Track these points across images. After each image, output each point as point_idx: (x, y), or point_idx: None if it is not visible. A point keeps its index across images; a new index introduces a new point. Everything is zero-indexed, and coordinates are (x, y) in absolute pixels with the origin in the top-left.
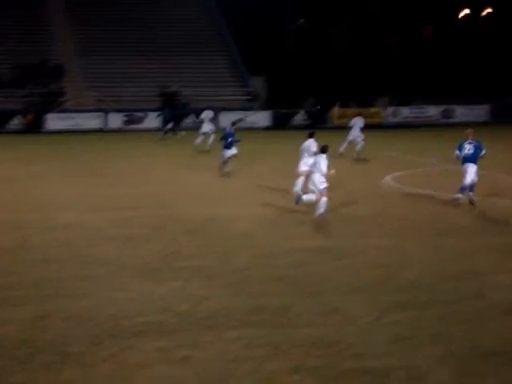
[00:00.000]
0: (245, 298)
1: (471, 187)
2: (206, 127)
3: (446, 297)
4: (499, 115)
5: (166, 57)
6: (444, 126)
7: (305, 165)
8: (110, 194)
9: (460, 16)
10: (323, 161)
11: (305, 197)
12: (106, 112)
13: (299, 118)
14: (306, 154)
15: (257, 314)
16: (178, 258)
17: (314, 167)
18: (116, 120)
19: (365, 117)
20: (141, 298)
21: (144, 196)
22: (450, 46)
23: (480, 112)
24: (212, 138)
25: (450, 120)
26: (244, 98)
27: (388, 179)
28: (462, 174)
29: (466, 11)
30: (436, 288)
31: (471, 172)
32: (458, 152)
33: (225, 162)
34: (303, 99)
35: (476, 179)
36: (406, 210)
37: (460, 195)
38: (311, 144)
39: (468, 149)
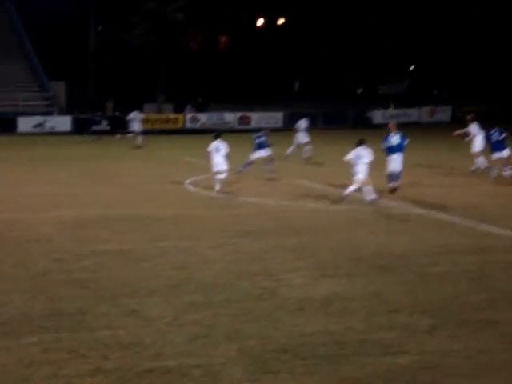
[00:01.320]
0: (42, 302)
1: (398, 175)
2: (136, 126)
3: (242, 296)
4: (290, 121)
5: None
6: (241, 131)
7: (217, 165)
8: None
9: (257, 25)
10: (365, 152)
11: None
12: None
13: (100, 122)
14: (216, 154)
15: (54, 319)
16: None
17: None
18: None
19: (166, 122)
20: None
21: None
22: (246, 54)
23: (275, 118)
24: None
25: (247, 126)
26: (44, 103)
27: (187, 183)
28: (390, 164)
29: (261, 21)
30: (232, 287)
31: (399, 160)
32: (385, 144)
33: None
34: (103, 104)
35: (402, 168)
36: (203, 212)
37: (393, 183)
38: (219, 144)
39: (395, 139)
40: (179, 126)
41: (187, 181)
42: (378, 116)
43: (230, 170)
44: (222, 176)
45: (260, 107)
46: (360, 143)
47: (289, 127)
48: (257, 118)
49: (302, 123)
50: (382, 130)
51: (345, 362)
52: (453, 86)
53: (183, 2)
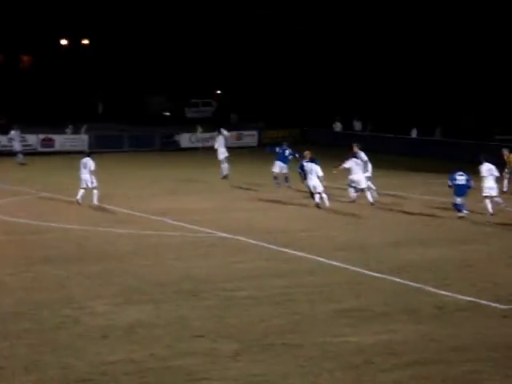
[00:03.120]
0: None
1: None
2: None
3: (42, 325)
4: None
5: None
6: (44, 154)
7: (84, 181)
8: None
9: (61, 45)
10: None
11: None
12: None
13: None
14: (84, 170)
15: None
16: None
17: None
18: None
19: None
20: None
21: None
22: (49, 74)
23: (80, 141)
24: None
25: (51, 149)
26: None
27: None
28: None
29: (65, 41)
30: (31, 317)
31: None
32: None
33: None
34: None
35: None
36: (3, 238)
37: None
38: (88, 161)
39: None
40: None
41: None
42: (185, 139)
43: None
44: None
45: (64, 129)
46: (311, 160)
47: (95, 150)
48: (61, 140)
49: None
50: (190, 153)
51: None
52: (260, 111)
53: None
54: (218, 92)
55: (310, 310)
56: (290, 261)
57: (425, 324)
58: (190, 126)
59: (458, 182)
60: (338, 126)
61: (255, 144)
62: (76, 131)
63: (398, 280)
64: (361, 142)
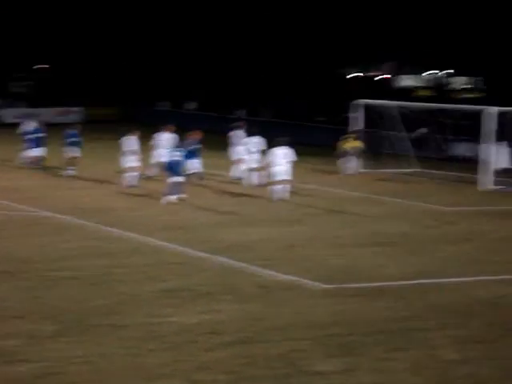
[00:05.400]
0: None
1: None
2: None
3: None
4: None
5: None
6: None
7: None
8: None
9: None
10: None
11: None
12: None
13: None
14: None
15: None
16: None
17: None
18: None
19: None
20: None
21: None
22: None
23: None
24: None
25: None
26: None
27: None
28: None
29: None
30: None
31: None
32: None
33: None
34: None
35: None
36: None
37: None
38: None
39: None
40: None
41: None
42: (9, 115)
43: None
44: None
45: None
46: None
47: None
48: None
49: None
50: (14, 128)
51: None
52: (84, 88)
53: None
54: (42, 66)
55: (134, 290)
56: (114, 240)
57: (248, 303)
58: (12, 100)
59: (174, 159)
60: (166, 105)
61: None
62: None
63: (222, 260)
64: (190, 122)
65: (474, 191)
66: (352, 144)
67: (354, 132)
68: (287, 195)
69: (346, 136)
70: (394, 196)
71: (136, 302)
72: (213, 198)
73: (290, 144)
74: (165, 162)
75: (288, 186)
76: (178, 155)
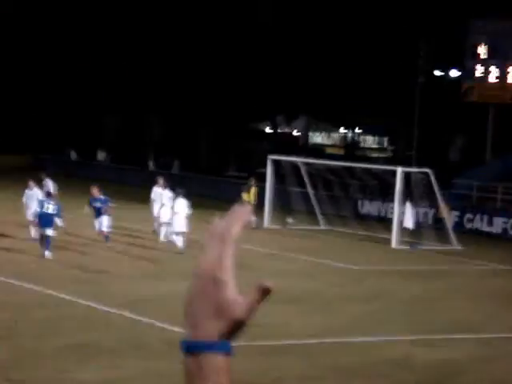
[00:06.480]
0: None
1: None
2: None
3: None
4: None
5: None
6: None
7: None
8: None
9: None
10: None
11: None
12: None
13: None
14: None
15: None
16: None
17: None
18: None
19: None
20: None
21: None
22: None
23: None
24: None
25: None
26: None
27: None
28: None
29: None
30: None
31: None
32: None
33: None
34: None
35: None
36: None
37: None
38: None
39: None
40: None
41: None
42: None
43: None
44: None
45: None
46: None
47: None
48: None
49: None
50: None
51: None
52: None
53: None
54: None
55: (36, 345)
56: (17, 293)
57: (154, 360)
58: None
59: (45, 211)
60: (73, 155)
61: None
62: None
63: (129, 315)
64: (100, 172)
65: (383, 250)
66: (251, 195)
67: (251, 181)
68: (183, 247)
69: (247, 186)
70: (303, 253)
71: (38, 357)
72: (124, 250)
73: (187, 196)
74: (36, 213)
75: (182, 239)
76: (49, 208)
